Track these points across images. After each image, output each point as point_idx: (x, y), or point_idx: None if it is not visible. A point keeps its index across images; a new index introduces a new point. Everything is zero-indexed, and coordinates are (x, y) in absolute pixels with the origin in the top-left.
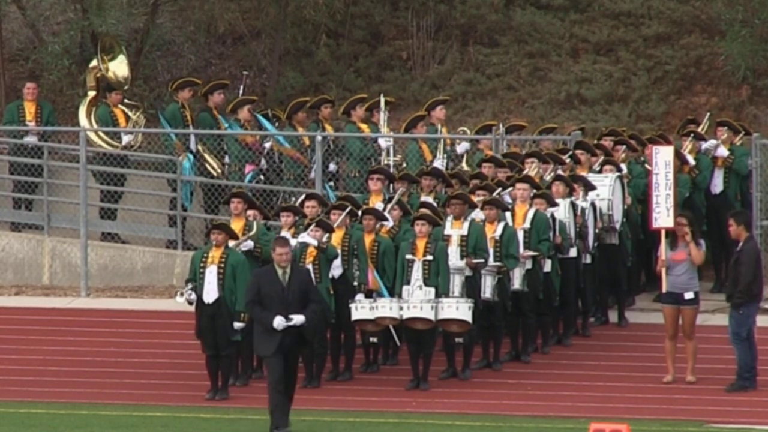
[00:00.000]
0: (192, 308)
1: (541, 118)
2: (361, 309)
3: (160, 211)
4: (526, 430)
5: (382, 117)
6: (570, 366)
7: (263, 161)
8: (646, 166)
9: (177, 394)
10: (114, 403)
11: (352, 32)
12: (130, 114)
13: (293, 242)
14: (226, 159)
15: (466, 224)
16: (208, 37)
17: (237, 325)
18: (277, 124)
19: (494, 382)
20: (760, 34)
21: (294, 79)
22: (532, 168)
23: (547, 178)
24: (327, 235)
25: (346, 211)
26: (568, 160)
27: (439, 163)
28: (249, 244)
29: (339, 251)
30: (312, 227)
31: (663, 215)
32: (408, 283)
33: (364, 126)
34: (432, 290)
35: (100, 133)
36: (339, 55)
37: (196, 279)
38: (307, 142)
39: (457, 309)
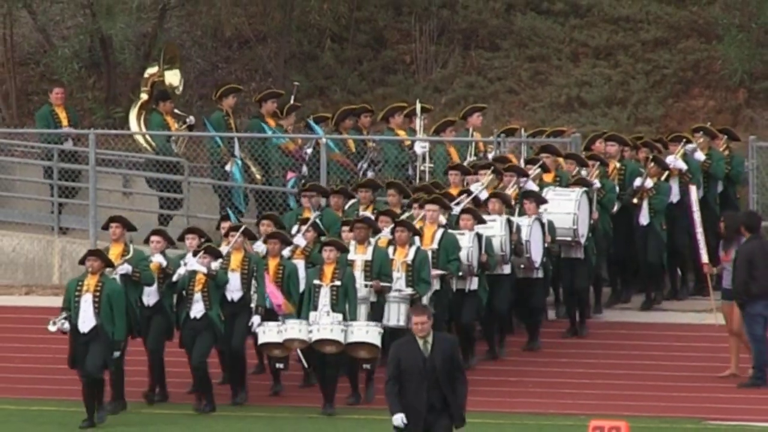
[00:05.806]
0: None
1: (541, 121)
2: (268, 332)
3: (165, 212)
4: (526, 427)
5: (419, 123)
6: (570, 364)
7: (304, 168)
8: (641, 170)
9: (179, 393)
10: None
11: (357, 37)
12: (176, 125)
13: (182, 270)
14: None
15: (370, 249)
16: (215, 41)
17: (115, 354)
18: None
19: (495, 379)
20: (756, 38)
21: (299, 82)
22: (487, 180)
23: (510, 191)
24: (220, 260)
25: (240, 231)
26: (537, 171)
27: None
28: (126, 268)
29: (233, 275)
30: (201, 254)
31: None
32: (315, 308)
33: (402, 132)
34: (339, 316)
35: (148, 138)
36: (343, 59)
37: (70, 308)
38: (353, 149)
39: (367, 333)
